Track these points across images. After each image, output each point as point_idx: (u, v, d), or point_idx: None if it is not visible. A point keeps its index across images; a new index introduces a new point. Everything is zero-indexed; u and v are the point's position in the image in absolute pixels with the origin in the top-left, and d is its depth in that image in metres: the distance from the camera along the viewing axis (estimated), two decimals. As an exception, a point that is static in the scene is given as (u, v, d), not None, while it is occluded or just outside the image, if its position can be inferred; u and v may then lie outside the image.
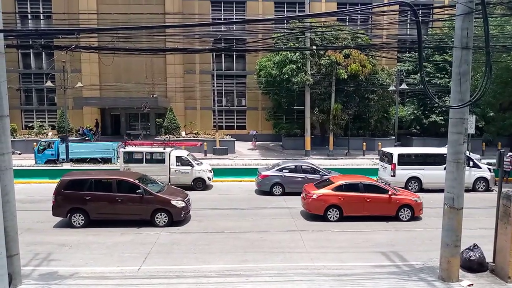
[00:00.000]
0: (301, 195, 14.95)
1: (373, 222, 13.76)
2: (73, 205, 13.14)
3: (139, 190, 13.15)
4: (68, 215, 13.20)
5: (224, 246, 11.54)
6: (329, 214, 13.92)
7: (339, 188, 14.03)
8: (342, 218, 13.85)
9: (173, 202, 13.29)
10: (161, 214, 13.26)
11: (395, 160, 18.52)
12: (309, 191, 14.30)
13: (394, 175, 18.30)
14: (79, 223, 13.16)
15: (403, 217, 13.97)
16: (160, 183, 14.85)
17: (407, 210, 13.96)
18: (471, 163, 18.70)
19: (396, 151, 19.30)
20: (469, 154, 19.23)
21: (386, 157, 19.40)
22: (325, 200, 13.90)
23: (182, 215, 13.45)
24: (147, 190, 13.29)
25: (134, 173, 14.69)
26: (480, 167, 18.91)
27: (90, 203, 13.12)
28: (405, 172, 18.35)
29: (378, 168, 21.28)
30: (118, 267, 9.98)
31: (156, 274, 9.54)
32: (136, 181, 13.39)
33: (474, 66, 21.21)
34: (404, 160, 18.67)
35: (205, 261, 10.41)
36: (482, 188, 18.81)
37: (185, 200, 13.69)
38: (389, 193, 14.02)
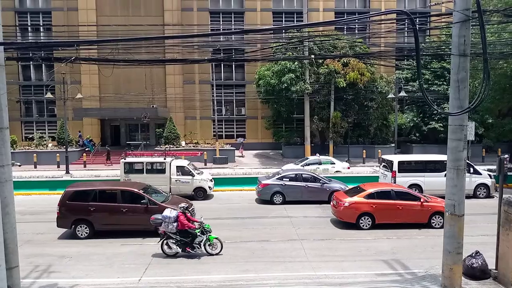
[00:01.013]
0: (331, 202, 14.96)
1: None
2: (77, 216, 13.09)
3: (144, 201, 13.12)
4: (73, 226, 13.15)
5: (225, 256, 11.47)
6: (361, 222, 13.85)
7: (371, 195, 13.95)
8: (374, 226, 13.75)
9: None
10: None
11: (395, 167, 18.51)
12: (340, 198, 14.24)
13: (394, 183, 18.28)
14: (83, 234, 13.10)
15: (435, 225, 13.85)
16: (164, 193, 14.82)
17: (439, 217, 13.80)
18: (472, 169, 18.71)
19: (396, 158, 19.31)
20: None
21: (387, 165, 19.40)
22: (357, 208, 13.84)
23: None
24: (152, 200, 13.25)
25: (139, 184, 14.64)
26: (480, 174, 18.91)
27: (94, 214, 13.07)
28: (405, 180, 18.29)
29: (376, 175, 21.26)
30: (119, 278, 9.92)
31: (156, 285, 9.48)
32: (141, 192, 13.36)
33: (472, 73, 21.32)
34: (405, 167, 18.66)
35: (206, 271, 10.35)
36: (483, 194, 18.77)
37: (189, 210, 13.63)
38: (421, 200, 13.96)
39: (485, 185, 18.80)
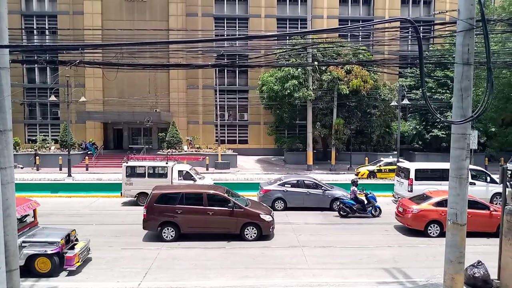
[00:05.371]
0: (396, 209, 14.98)
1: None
2: (164, 218, 13.13)
3: (230, 204, 13.18)
4: (159, 228, 13.19)
5: (225, 261, 11.43)
6: (429, 230, 13.84)
7: (440, 203, 13.80)
8: (441, 234, 13.47)
9: (262, 216, 13.30)
10: (250, 228, 13.26)
11: (412, 175, 18.40)
12: (408, 205, 14.23)
13: (411, 190, 18.12)
14: (169, 237, 13.15)
15: None
16: (243, 198, 14.85)
17: None
18: (489, 178, 18.65)
19: (413, 166, 19.22)
20: None
21: (403, 172, 19.29)
22: (426, 215, 13.83)
23: (270, 229, 13.48)
24: (237, 204, 13.33)
25: (221, 187, 14.64)
26: (497, 183, 18.77)
27: (181, 217, 13.10)
28: (422, 187, 18.01)
29: (379, 183, 21.14)
30: (118, 283, 9.89)
31: (156, 290, 9.44)
32: (226, 195, 13.44)
33: (476, 82, 21.29)
34: (421, 175, 18.52)
35: (206, 277, 10.31)
36: (499, 203, 18.63)
37: (271, 214, 13.72)
38: (491, 209, 13.88)
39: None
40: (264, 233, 13.38)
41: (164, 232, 13.16)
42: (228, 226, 13.23)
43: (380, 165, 27.20)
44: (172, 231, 13.15)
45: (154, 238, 13.32)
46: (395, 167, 25.91)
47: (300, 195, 17.82)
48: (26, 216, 10.81)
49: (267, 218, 13.36)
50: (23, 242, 10.07)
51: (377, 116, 32.50)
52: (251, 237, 13.24)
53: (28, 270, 10.04)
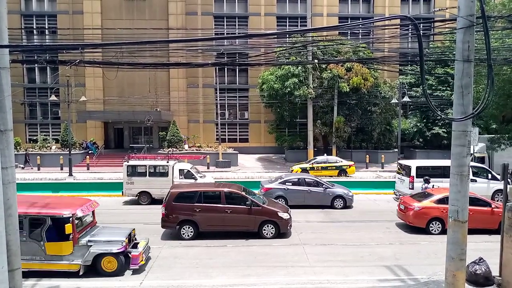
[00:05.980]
0: (398, 207, 15.02)
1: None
2: (183, 217, 13.15)
3: (248, 202, 13.22)
4: (177, 227, 13.21)
5: (227, 260, 11.44)
6: (431, 227, 13.88)
7: (441, 201, 13.82)
8: (443, 231, 13.49)
9: (280, 214, 13.32)
10: (268, 226, 13.28)
11: (413, 172, 18.44)
12: (409, 203, 14.29)
13: (412, 188, 18.16)
14: (188, 235, 13.17)
15: None
16: (259, 196, 14.84)
17: None
18: (490, 175, 18.66)
19: (414, 163, 19.25)
20: None
21: (404, 170, 19.33)
22: (427, 212, 13.87)
23: (288, 227, 13.49)
24: (255, 201, 13.35)
25: (237, 185, 14.63)
26: (498, 179, 18.79)
27: (200, 215, 13.12)
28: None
29: (380, 181, 21.14)
30: (120, 282, 9.91)
31: (158, 288, 9.46)
32: (244, 193, 13.46)
33: (476, 79, 21.22)
34: (422, 172, 18.53)
35: (208, 275, 10.32)
36: (501, 200, 18.63)
37: (288, 212, 13.73)
38: (492, 206, 13.92)
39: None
40: (282, 231, 13.40)
41: (183, 231, 13.18)
42: (246, 224, 13.23)
43: (312, 163, 27.51)
44: (191, 229, 13.17)
45: (155, 237, 13.33)
46: (328, 165, 27.17)
47: (301, 193, 17.83)
48: (87, 215, 10.80)
49: (285, 216, 13.37)
50: (89, 241, 10.10)
51: (378, 113, 32.50)
52: (269, 235, 13.25)
53: (95, 269, 10.08)
